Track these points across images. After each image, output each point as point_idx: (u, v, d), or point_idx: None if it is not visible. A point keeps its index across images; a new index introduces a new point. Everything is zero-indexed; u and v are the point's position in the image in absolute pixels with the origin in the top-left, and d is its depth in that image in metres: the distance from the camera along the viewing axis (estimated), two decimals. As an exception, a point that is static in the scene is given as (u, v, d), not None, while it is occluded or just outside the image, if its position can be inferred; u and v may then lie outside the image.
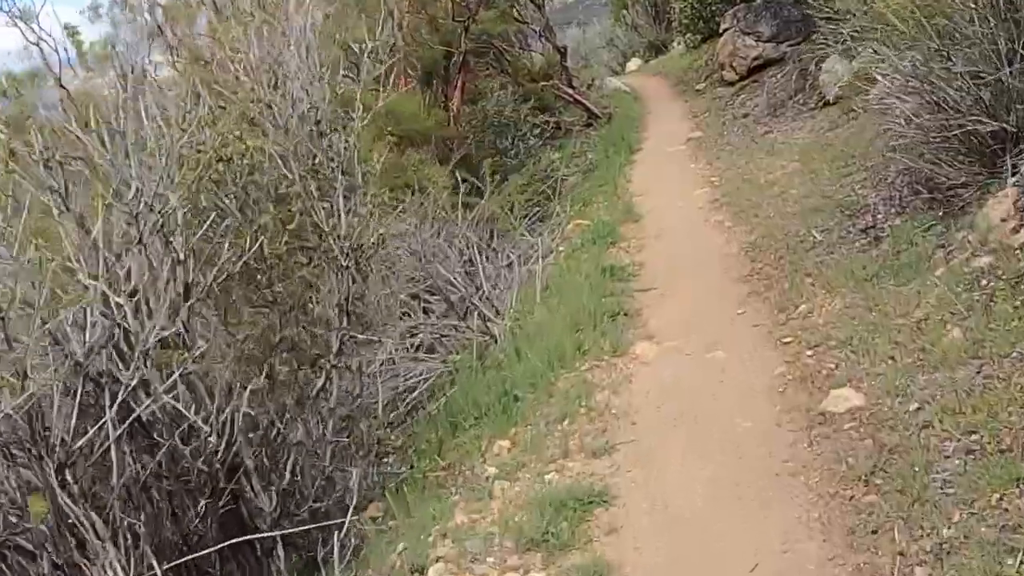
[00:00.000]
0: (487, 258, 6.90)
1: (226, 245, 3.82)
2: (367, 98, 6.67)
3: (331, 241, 3.76)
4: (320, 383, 4.00)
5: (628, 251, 6.99)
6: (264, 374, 4.01)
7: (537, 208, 8.62)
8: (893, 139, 5.94)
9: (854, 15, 5.88)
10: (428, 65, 9.76)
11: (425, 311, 6.23)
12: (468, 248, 6.82)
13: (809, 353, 4.23)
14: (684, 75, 16.48)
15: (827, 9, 6.31)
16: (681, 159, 10.64)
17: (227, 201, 3.79)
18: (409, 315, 6.10)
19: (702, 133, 11.85)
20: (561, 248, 7.88)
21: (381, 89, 5.66)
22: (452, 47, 9.68)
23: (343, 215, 3.78)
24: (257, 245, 3.80)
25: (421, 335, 5.92)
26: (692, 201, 8.41)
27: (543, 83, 13.14)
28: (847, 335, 4.20)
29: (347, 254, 3.74)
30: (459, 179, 7.79)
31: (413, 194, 7.21)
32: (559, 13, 41.94)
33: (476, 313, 5.75)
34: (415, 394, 5.59)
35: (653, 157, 11.08)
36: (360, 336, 4.00)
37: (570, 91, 13.95)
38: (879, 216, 5.64)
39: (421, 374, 5.51)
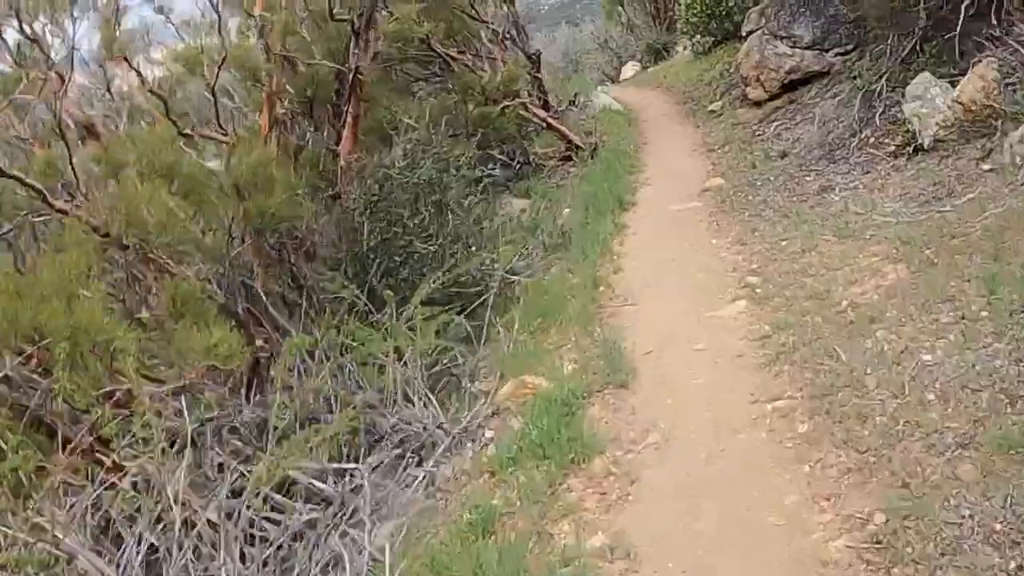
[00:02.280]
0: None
1: None
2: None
3: None
4: None
5: (605, 496, 3.42)
6: None
7: (451, 350, 5.00)
8: None
9: None
10: (309, 89, 6.22)
11: None
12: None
13: None
14: (692, 89, 12.90)
15: None
16: (695, 229, 7.05)
17: None
18: None
19: (723, 180, 8.27)
20: (488, 443, 4.30)
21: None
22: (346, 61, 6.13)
23: None
24: None
25: None
26: (721, 335, 4.83)
27: (505, 103, 9.54)
28: None
29: None
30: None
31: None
32: (556, 11, 38.42)
33: None
34: None
35: (653, 223, 7.50)
36: None
37: (542, 113, 10.37)
38: None
39: None
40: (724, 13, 13.80)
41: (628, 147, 10.21)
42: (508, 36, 10.73)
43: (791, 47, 10.26)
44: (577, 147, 10.22)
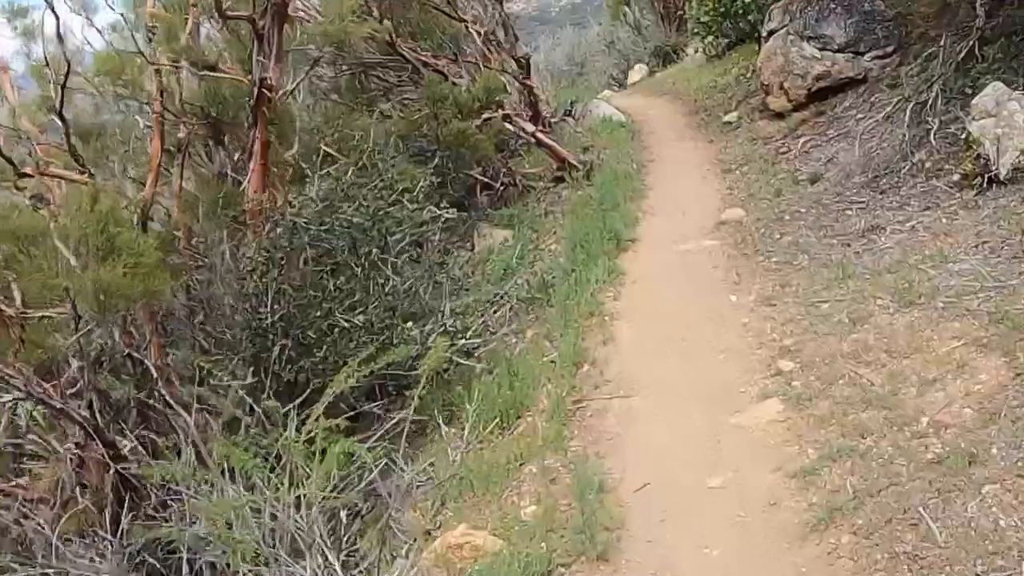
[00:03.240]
0: None
1: None
2: None
3: None
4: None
5: None
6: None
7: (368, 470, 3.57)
8: None
9: None
10: (214, 107, 4.84)
11: None
12: None
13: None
14: (704, 97, 11.45)
15: None
16: (709, 279, 5.63)
17: None
18: None
19: (742, 211, 6.84)
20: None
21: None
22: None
23: None
24: None
25: None
26: (746, 462, 3.42)
27: (485, 115, 8.14)
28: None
29: None
30: None
31: None
32: (568, 13, 36.98)
33: None
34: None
35: (656, 269, 6.08)
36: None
37: (531, 127, 8.97)
38: None
39: None
40: (740, 11, 12.33)
41: (630, 166, 8.79)
42: (493, 38, 9.32)
43: (820, 49, 8.81)
44: (571, 166, 8.80)
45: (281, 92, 5.12)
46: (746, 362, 4.31)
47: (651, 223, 7.13)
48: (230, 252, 4.43)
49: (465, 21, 8.94)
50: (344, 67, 9.07)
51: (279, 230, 4.32)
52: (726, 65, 12.25)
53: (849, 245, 5.48)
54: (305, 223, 4.26)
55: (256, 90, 4.39)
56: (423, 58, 8.30)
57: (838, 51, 8.59)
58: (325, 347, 4.13)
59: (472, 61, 9.12)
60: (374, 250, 4.41)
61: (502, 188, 8.79)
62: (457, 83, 8.35)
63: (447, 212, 4.98)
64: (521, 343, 5.17)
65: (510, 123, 8.65)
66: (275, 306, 4.12)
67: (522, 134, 8.97)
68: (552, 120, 10.07)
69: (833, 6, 8.76)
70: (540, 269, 6.16)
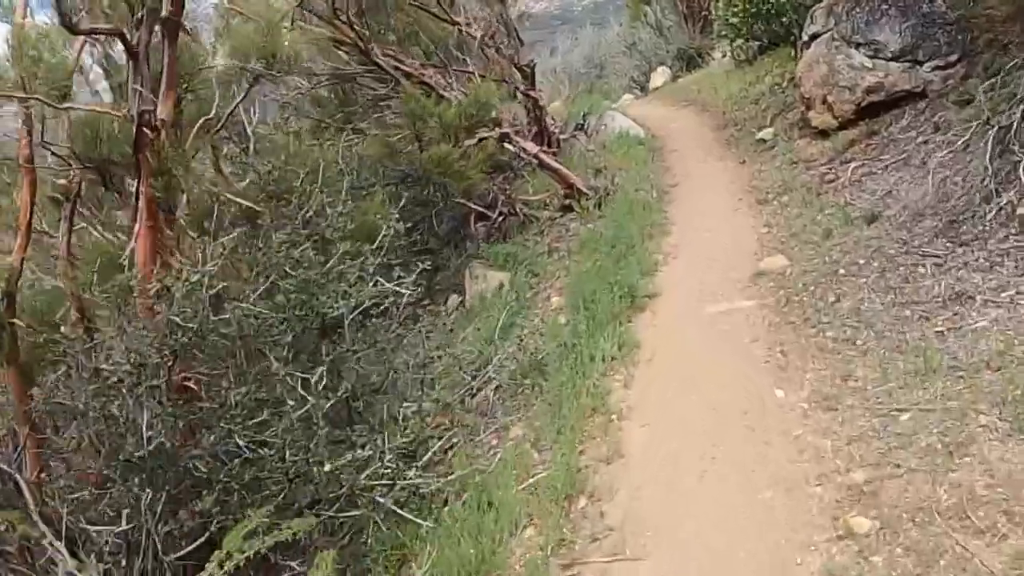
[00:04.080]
0: None
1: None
2: None
3: None
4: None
5: None
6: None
7: None
8: None
9: None
10: (95, 146, 3.72)
11: None
12: None
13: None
14: (734, 108, 10.20)
15: None
16: (746, 360, 4.42)
17: None
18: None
19: (785, 259, 5.61)
20: None
21: None
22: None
23: None
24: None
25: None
26: None
27: (480, 136, 6.98)
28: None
29: None
30: None
31: None
32: (589, 12, 35.80)
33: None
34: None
35: (678, 341, 4.87)
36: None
37: (532, 147, 7.78)
38: None
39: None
40: (772, 12, 11.05)
41: (649, 193, 7.59)
42: (491, 43, 8.15)
43: (871, 57, 7.56)
44: (580, 193, 7.62)
45: (202, 125, 3.98)
46: (801, 506, 3.11)
47: (673, 271, 5.93)
48: (95, 348, 3.28)
49: (458, 23, 7.77)
50: (323, 79, 7.97)
51: (163, 322, 3.17)
52: (758, 72, 11.00)
53: (928, 319, 4.25)
54: (182, 322, 3.10)
55: (136, 131, 3.26)
56: (404, 68, 7.15)
57: (892, 60, 7.33)
58: (219, 487, 2.99)
59: (466, 71, 7.96)
60: (274, 363, 3.24)
61: (500, 218, 7.64)
62: (447, 96, 7.20)
63: (404, 287, 3.80)
64: (502, 448, 4.00)
65: (509, 143, 7.47)
66: (149, 431, 2.99)
67: (524, 155, 7.79)
68: (561, 137, 8.89)
69: (886, 7, 7.50)
70: (534, 338, 4.97)
